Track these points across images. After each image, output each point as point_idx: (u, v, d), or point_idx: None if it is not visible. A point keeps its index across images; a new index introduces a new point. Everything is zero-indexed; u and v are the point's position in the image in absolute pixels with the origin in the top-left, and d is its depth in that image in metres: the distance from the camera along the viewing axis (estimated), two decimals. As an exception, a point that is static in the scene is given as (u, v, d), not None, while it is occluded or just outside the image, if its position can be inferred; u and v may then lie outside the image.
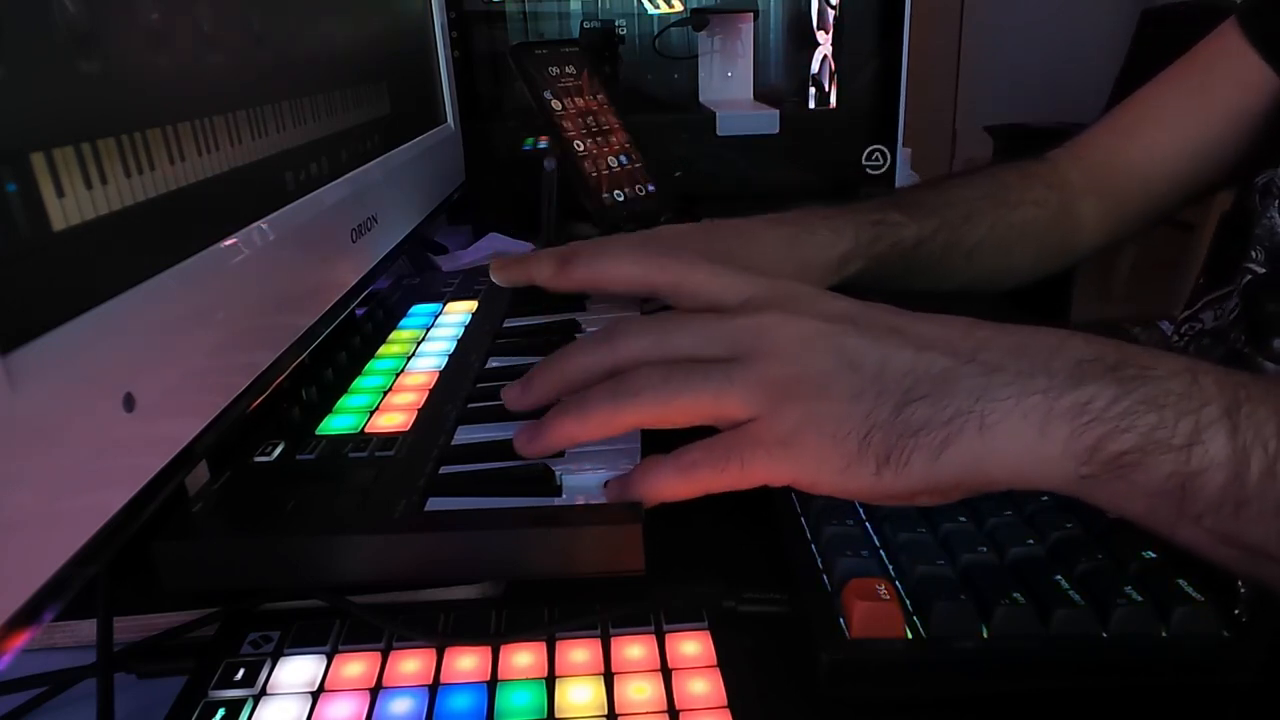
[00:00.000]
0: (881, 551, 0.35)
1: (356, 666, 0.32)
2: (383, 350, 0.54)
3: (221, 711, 0.30)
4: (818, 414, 0.30)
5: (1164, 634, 0.30)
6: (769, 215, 0.53)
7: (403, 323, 0.59)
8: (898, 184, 1.04)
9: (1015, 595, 0.31)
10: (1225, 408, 0.27)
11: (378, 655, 0.32)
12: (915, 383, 0.30)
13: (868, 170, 1.04)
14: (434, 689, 0.30)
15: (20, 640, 0.22)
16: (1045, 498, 0.37)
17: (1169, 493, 0.27)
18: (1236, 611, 0.31)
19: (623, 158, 0.81)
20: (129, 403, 0.27)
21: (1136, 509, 0.28)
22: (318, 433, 0.42)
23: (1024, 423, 0.28)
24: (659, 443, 0.41)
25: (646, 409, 0.33)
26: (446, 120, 0.84)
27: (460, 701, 0.30)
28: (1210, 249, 0.68)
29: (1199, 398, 0.27)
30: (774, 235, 0.52)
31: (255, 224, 0.39)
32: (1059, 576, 0.32)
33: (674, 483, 0.33)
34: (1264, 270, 0.56)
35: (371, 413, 0.45)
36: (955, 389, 0.29)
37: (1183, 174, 0.62)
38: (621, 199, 0.78)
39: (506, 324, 0.58)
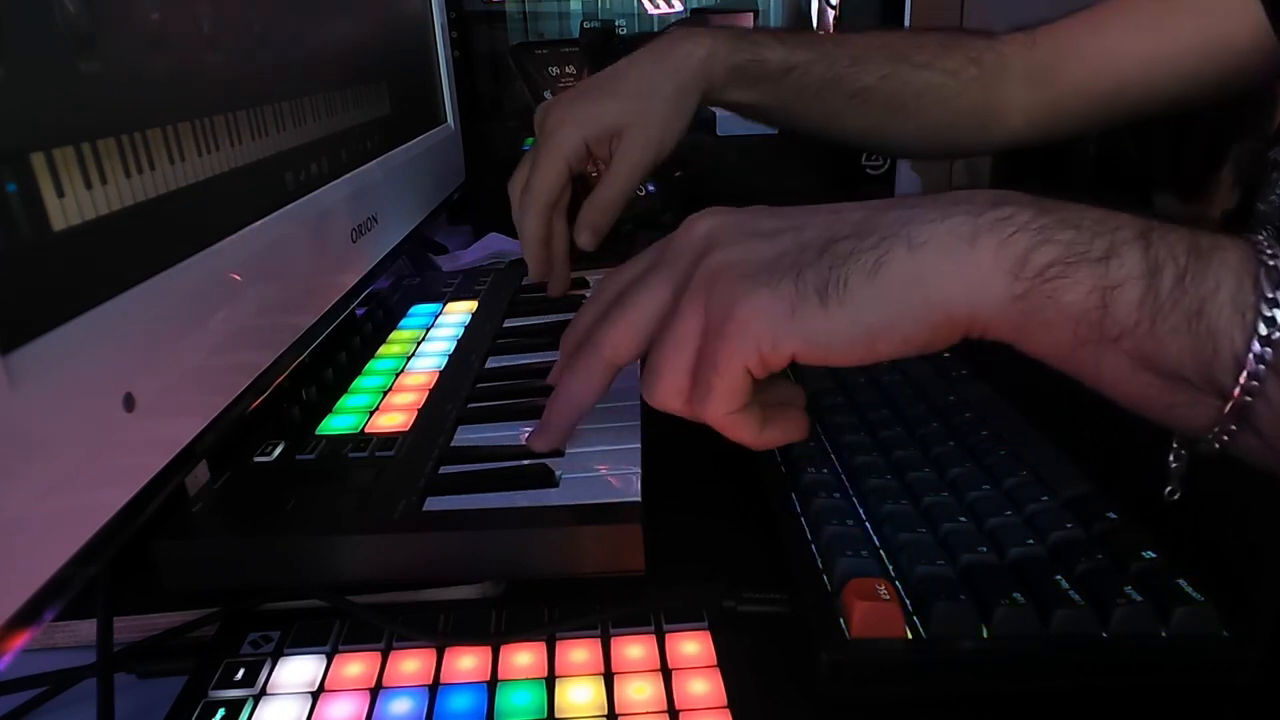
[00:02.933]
0: (881, 551, 0.35)
1: (356, 666, 0.32)
2: (383, 350, 0.54)
3: (221, 711, 0.30)
4: (747, 277, 0.30)
5: (1164, 634, 0.30)
6: (641, 47, 0.58)
7: (403, 323, 0.59)
8: (898, 185, 1.04)
9: (1015, 595, 0.31)
10: (1138, 231, 0.28)
11: (378, 655, 0.32)
12: (834, 230, 0.30)
13: (868, 170, 1.04)
14: (434, 689, 0.30)
15: (20, 640, 0.22)
16: (1045, 498, 0.37)
17: (1090, 311, 0.27)
18: (1169, 489, 0.32)
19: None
20: (129, 403, 0.27)
21: (1063, 339, 0.28)
22: (318, 433, 0.42)
23: (951, 236, 0.28)
24: (659, 443, 0.41)
25: (608, 347, 0.34)
26: (446, 120, 0.84)
27: (460, 701, 0.30)
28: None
29: (1113, 221, 0.28)
30: (642, 59, 0.57)
31: (255, 224, 0.39)
32: (1059, 576, 0.32)
33: (659, 398, 0.33)
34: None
35: (371, 413, 0.45)
36: (876, 224, 0.30)
37: (1133, 80, 0.60)
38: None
39: (506, 324, 0.58)
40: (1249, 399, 0.27)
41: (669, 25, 0.63)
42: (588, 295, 0.61)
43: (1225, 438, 0.28)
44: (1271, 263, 0.26)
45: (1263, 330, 0.26)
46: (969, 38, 0.64)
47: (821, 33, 0.61)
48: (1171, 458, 0.32)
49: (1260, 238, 0.27)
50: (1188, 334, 0.27)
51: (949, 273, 0.29)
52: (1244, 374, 0.26)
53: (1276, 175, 0.57)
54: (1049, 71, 0.62)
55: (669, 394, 0.32)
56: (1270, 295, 0.26)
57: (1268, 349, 0.26)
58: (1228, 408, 0.27)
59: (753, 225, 0.32)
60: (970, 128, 0.64)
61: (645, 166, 0.56)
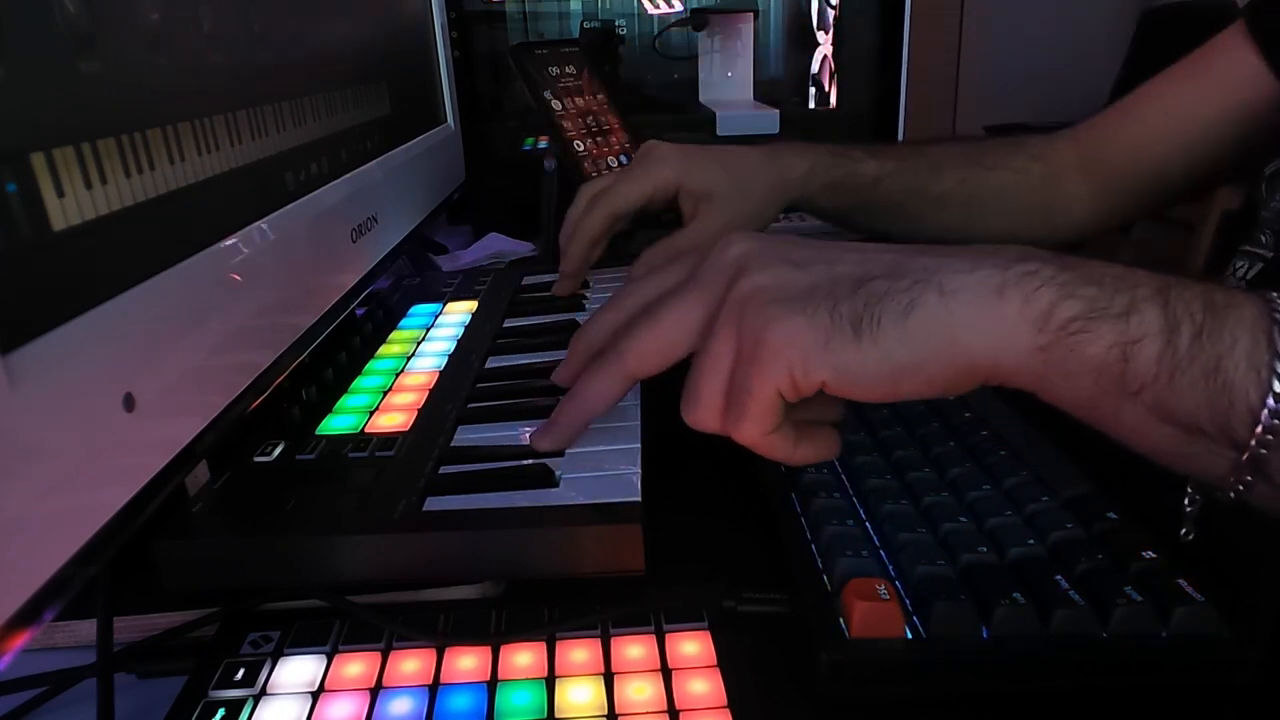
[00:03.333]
0: (881, 551, 0.35)
1: (356, 666, 0.32)
2: (383, 350, 0.54)
3: (221, 711, 0.30)
4: (781, 302, 0.31)
5: (1164, 634, 0.30)
6: (745, 151, 0.64)
7: (403, 323, 0.59)
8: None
9: (1015, 595, 0.31)
10: (1156, 288, 0.29)
11: (378, 655, 0.32)
12: (867, 270, 0.31)
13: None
14: (434, 689, 0.30)
15: (20, 640, 0.22)
16: (1045, 498, 0.37)
17: (1111, 364, 0.28)
18: (1184, 530, 0.32)
19: (623, 158, 0.81)
20: (129, 403, 0.27)
21: (1084, 390, 0.29)
22: (318, 433, 0.42)
23: (981, 287, 0.30)
24: (659, 443, 0.41)
25: (633, 358, 0.35)
26: (446, 120, 0.84)
27: (460, 701, 0.30)
28: (1211, 248, 0.69)
29: (1132, 279, 0.29)
30: (754, 153, 0.63)
31: (255, 224, 0.39)
32: (1059, 576, 0.32)
33: (696, 418, 0.34)
34: (1272, 254, 0.57)
35: (371, 413, 0.45)
36: (908, 268, 0.31)
37: (1175, 162, 0.64)
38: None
39: (506, 324, 0.58)
40: (1264, 451, 0.27)
41: (773, 146, 0.69)
42: (589, 294, 0.62)
43: (1240, 487, 0.29)
44: None
45: (1277, 387, 0.27)
46: (1028, 139, 0.69)
47: (901, 144, 0.67)
48: (1186, 501, 0.32)
49: (1275, 295, 0.28)
50: (1205, 389, 0.28)
51: (977, 321, 0.30)
52: (1259, 428, 0.27)
53: (1277, 184, 0.57)
54: (1096, 162, 0.67)
55: (706, 415, 0.33)
56: None
57: None
58: (1243, 459, 0.28)
59: (785, 253, 0.33)
60: (1039, 222, 0.68)
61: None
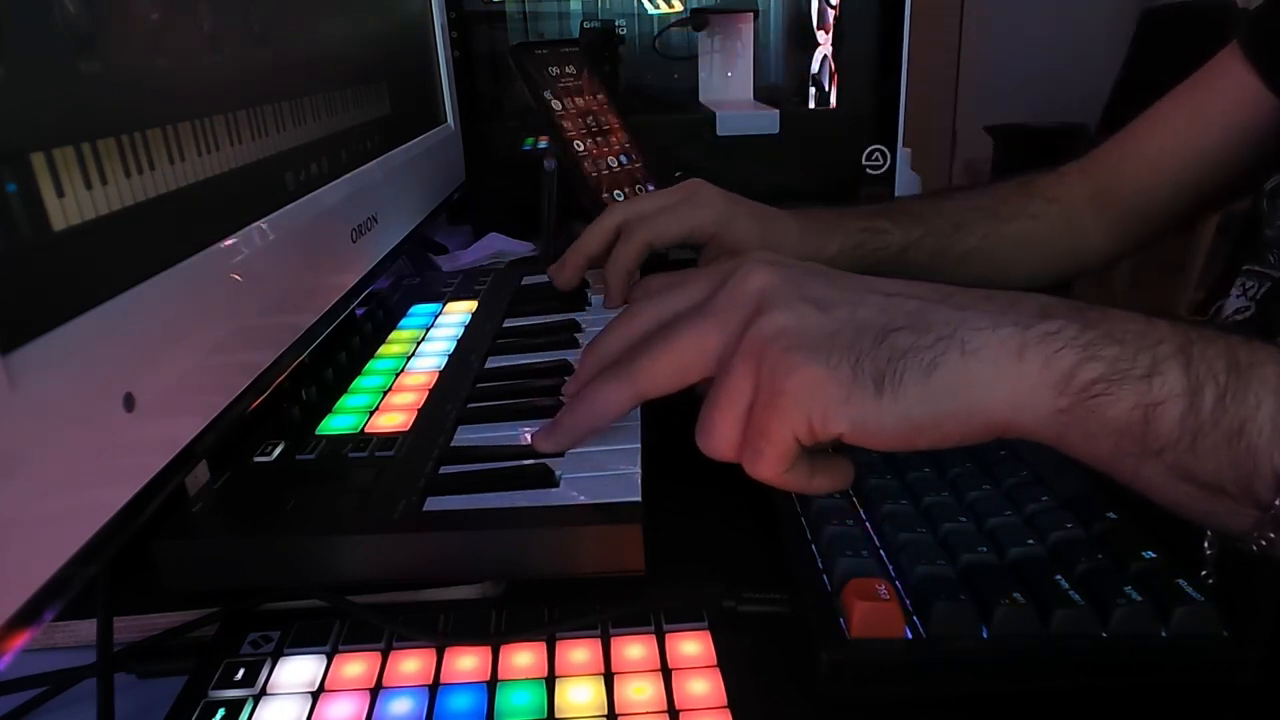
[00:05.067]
0: (881, 551, 0.35)
1: (356, 666, 0.32)
2: (383, 350, 0.54)
3: (221, 711, 0.30)
4: (802, 349, 0.31)
5: (1164, 634, 0.30)
6: (786, 210, 0.61)
7: (403, 323, 0.59)
8: (898, 184, 1.04)
9: (1015, 595, 0.31)
10: (1179, 345, 0.29)
11: (378, 655, 0.32)
12: (890, 319, 0.31)
13: (868, 170, 1.04)
14: (434, 689, 0.30)
15: (20, 640, 0.22)
16: (1045, 498, 0.37)
17: (1133, 426, 0.28)
18: (1204, 573, 0.32)
19: (623, 158, 0.81)
20: (129, 403, 0.27)
21: (1104, 448, 0.29)
22: (318, 433, 0.42)
23: (1002, 348, 0.30)
24: (659, 443, 0.41)
25: (645, 377, 0.35)
26: (446, 120, 0.84)
27: (460, 701, 0.30)
28: (1211, 249, 0.69)
29: (1154, 335, 0.29)
30: (791, 223, 0.60)
31: (255, 224, 0.39)
32: (1059, 576, 0.32)
33: (711, 450, 0.34)
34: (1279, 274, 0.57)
35: (371, 413, 0.45)
36: (932, 320, 0.31)
37: (1185, 185, 0.64)
38: (621, 199, 0.78)
39: (506, 324, 0.58)
40: None
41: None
42: (590, 291, 0.62)
43: (1264, 542, 0.29)
44: None
45: None
46: (1037, 180, 0.69)
47: (921, 201, 0.66)
48: (1206, 544, 0.33)
49: None
50: (1228, 450, 0.28)
51: (997, 383, 0.30)
52: None
53: (1277, 202, 0.58)
54: (1107, 196, 0.67)
55: (721, 448, 0.33)
56: None
57: None
58: (1267, 516, 0.28)
59: (808, 289, 0.33)
60: (1064, 260, 0.69)
61: None
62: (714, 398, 0.33)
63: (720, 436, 0.33)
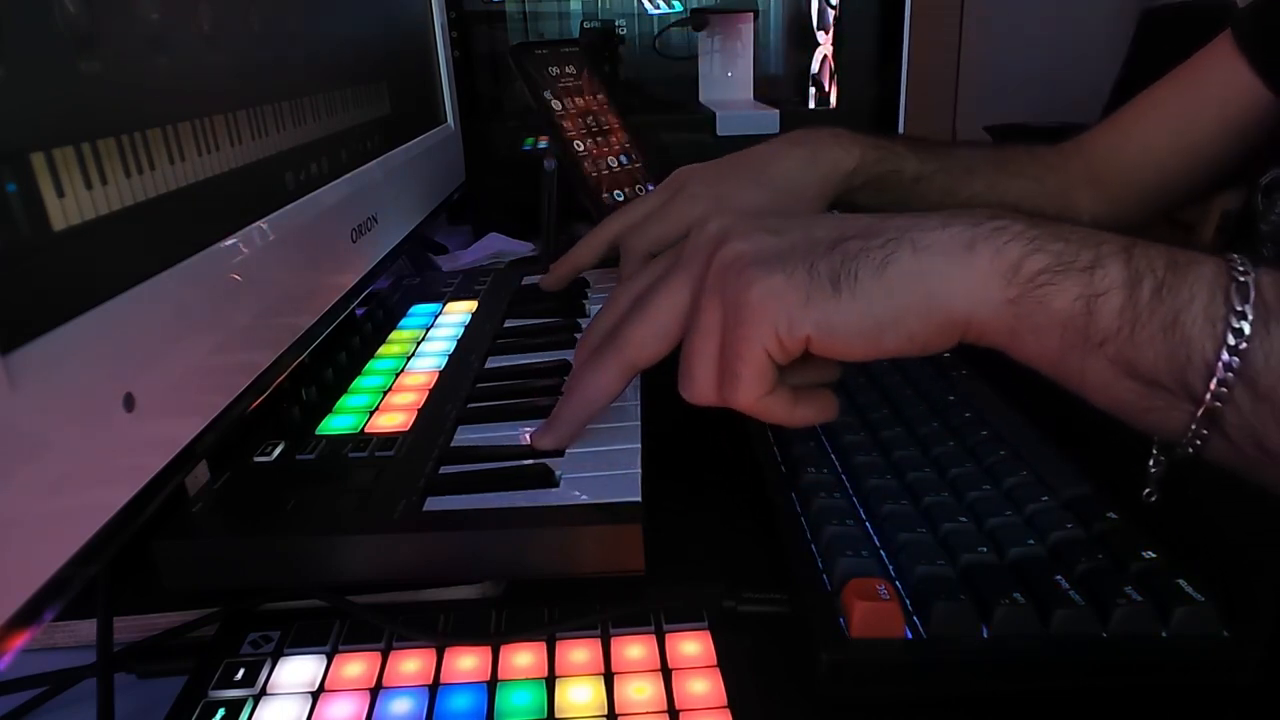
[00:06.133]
0: (881, 551, 0.35)
1: (356, 666, 0.32)
2: (383, 350, 0.54)
3: (221, 711, 0.30)
4: (760, 263, 0.32)
5: (1164, 634, 0.30)
6: (783, 137, 0.61)
7: (403, 323, 0.59)
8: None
9: (1015, 595, 0.31)
10: (1122, 245, 0.30)
11: (378, 655, 0.32)
12: (842, 232, 0.33)
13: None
14: (434, 689, 0.30)
15: (20, 640, 0.22)
16: (1045, 498, 0.37)
17: (1076, 317, 0.29)
18: (1147, 491, 0.33)
19: (623, 158, 0.81)
20: (129, 403, 0.27)
21: (1051, 345, 0.30)
22: (318, 433, 0.42)
23: (952, 242, 0.31)
24: (659, 443, 0.41)
25: (630, 347, 0.36)
26: (446, 120, 0.84)
27: (460, 701, 0.30)
28: (1211, 248, 0.70)
29: (1098, 237, 0.31)
30: (795, 156, 0.59)
31: (255, 224, 0.39)
32: (1059, 576, 0.32)
33: (694, 392, 0.34)
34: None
35: (371, 413, 0.45)
36: (882, 229, 0.32)
37: (1174, 171, 0.65)
38: (621, 199, 0.78)
39: (506, 324, 0.58)
40: (1219, 404, 0.28)
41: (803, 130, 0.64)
42: (591, 291, 0.62)
43: (1198, 442, 0.30)
44: (1242, 278, 0.29)
45: (1231, 340, 0.28)
46: (1042, 149, 0.70)
47: (936, 142, 0.67)
48: (1150, 463, 0.34)
49: (1234, 256, 0.30)
50: (1164, 341, 0.29)
51: (949, 274, 0.31)
52: (1214, 380, 0.28)
53: (1276, 196, 0.58)
54: (1100, 176, 0.68)
55: (702, 388, 0.34)
56: (1239, 308, 0.28)
57: (1235, 358, 0.28)
58: (1200, 412, 0.29)
59: (762, 222, 0.34)
60: None
61: None
62: (689, 341, 0.34)
63: (699, 378, 0.34)
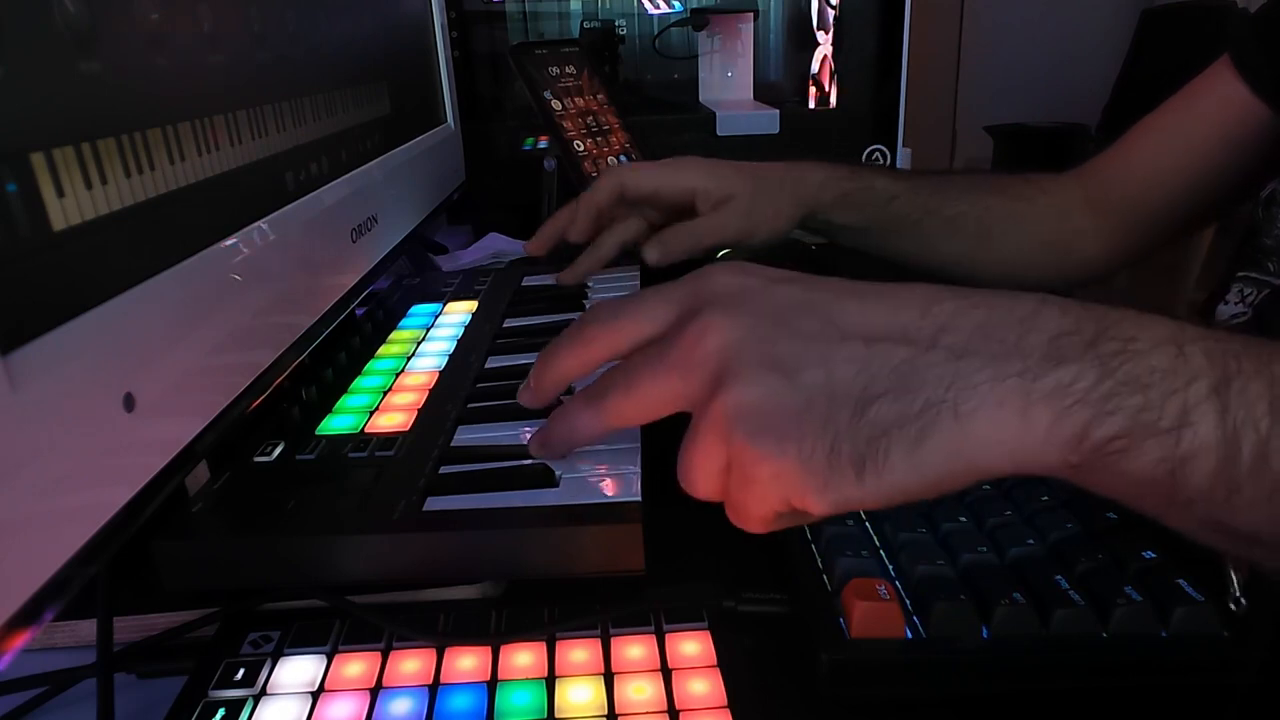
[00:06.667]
0: (881, 551, 0.35)
1: (356, 666, 0.32)
2: (383, 350, 0.54)
3: (221, 711, 0.30)
4: (771, 433, 0.28)
5: (1164, 634, 0.30)
6: (765, 163, 0.67)
7: (403, 323, 0.59)
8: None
9: (1015, 595, 0.31)
10: (1214, 384, 0.25)
11: (378, 655, 0.32)
12: (871, 380, 0.27)
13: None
14: (434, 689, 0.30)
15: (20, 640, 0.22)
16: (1045, 498, 0.37)
17: (1158, 480, 0.25)
18: (1232, 605, 0.31)
19: (623, 158, 0.81)
20: (129, 403, 0.27)
21: (1125, 496, 0.27)
22: (318, 433, 0.42)
23: (1002, 409, 0.26)
24: (659, 443, 0.41)
25: (613, 415, 0.33)
26: (446, 120, 0.84)
27: (460, 701, 0.30)
28: (1211, 249, 0.70)
29: (1185, 373, 0.25)
30: (775, 166, 0.66)
31: (255, 224, 0.39)
32: (1059, 576, 0.32)
33: (697, 495, 0.32)
34: (1279, 281, 0.57)
35: (371, 413, 0.45)
36: (920, 380, 0.27)
37: (1179, 193, 0.65)
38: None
39: (506, 324, 0.58)
40: None
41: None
42: (591, 291, 0.62)
43: None
44: None
45: None
46: (1033, 175, 0.71)
47: (915, 170, 0.70)
48: (1233, 573, 0.31)
49: None
50: (1268, 505, 0.25)
51: (997, 445, 0.26)
52: None
53: (1276, 210, 0.58)
54: (1102, 202, 0.68)
55: (704, 495, 0.31)
56: None
57: None
58: None
59: (770, 350, 0.29)
60: (1051, 256, 0.70)
61: (735, 234, 0.64)
62: (689, 454, 0.30)
63: (700, 487, 0.31)
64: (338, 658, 0.32)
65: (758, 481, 0.28)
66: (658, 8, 1.21)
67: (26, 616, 0.22)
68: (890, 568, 0.34)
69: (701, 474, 0.30)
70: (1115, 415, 0.25)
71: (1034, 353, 0.26)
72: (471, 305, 0.62)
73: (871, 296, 0.29)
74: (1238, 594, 0.32)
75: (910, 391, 0.27)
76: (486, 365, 0.50)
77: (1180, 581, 0.32)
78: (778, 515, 0.29)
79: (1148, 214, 0.66)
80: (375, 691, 0.30)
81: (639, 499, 0.35)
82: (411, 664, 0.32)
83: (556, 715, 0.29)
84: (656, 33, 1.21)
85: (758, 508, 0.29)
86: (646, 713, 0.29)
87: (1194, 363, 0.25)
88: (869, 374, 0.27)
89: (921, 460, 0.26)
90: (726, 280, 0.31)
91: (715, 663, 0.31)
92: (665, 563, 0.35)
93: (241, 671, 0.31)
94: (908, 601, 0.32)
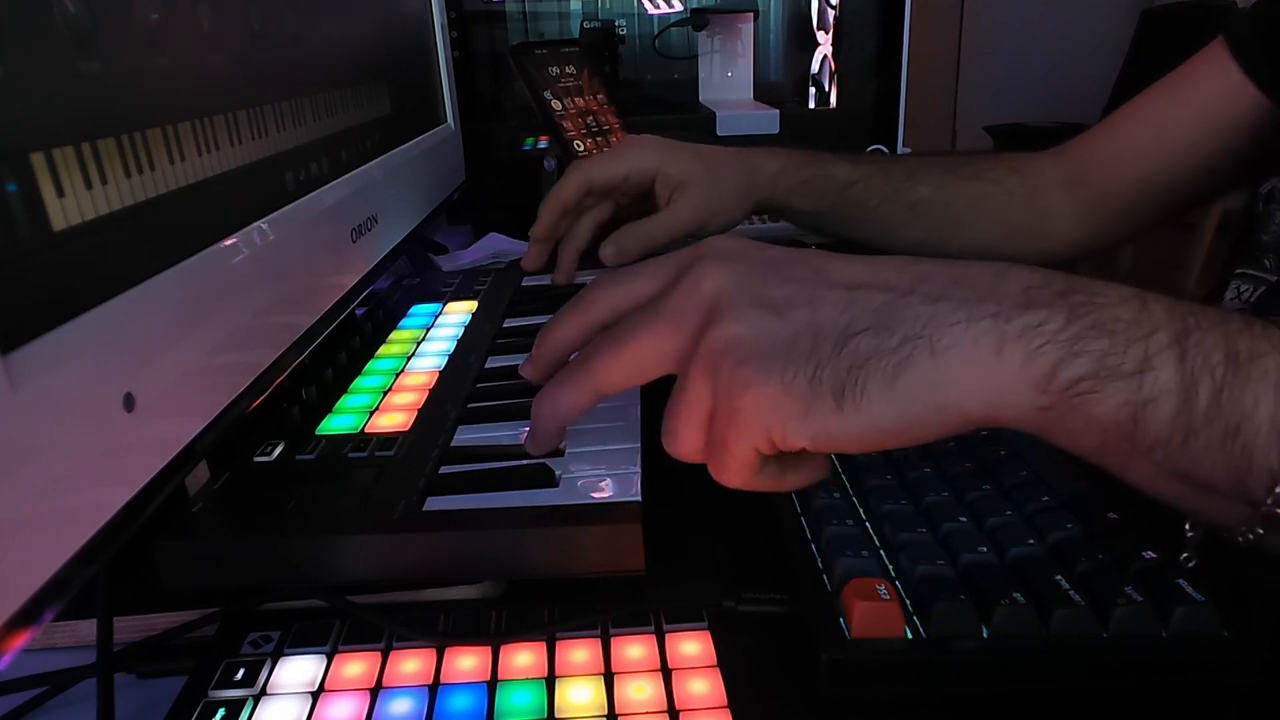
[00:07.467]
0: (881, 551, 0.35)
1: (356, 666, 0.32)
2: (383, 350, 0.54)
3: (221, 711, 0.30)
4: (756, 361, 0.29)
5: (1164, 634, 0.30)
6: (722, 149, 0.68)
7: (403, 323, 0.59)
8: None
9: (1015, 595, 0.31)
10: (1174, 335, 0.27)
11: (378, 655, 0.32)
12: (853, 319, 0.29)
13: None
14: (434, 689, 0.30)
15: (20, 640, 0.22)
16: (1046, 498, 0.37)
17: (1121, 424, 0.27)
18: (1184, 555, 0.32)
19: (623, 158, 0.81)
20: (129, 403, 0.27)
21: (1090, 444, 0.28)
22: (318, 433, 0.42)
23: (977, 346, 0.27)
24: (659, 443, 0.41)
25: (601, 377, 0.33)
26: (446, 120, 0.84)
27: (460, 701, 0.30)
28: (1211, 248, 0.70)
29: (1148, 324, 0.27)
30: (729, 153, 0.67)
31: (255, 224, 0.39)
32: (1059, 576, 0.32)
33: (678, 454, 0.32)
34: (1276, 278, 0.57)
35: (371, 413, 0.45)
36: (899, 318, 0.28)
37: (1161, 174, 0.64)
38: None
39: (506, 324, 0.58)
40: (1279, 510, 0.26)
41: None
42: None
43: (1251, 536, 0.27)
44: None
45: None
46: (1007, 154, 0.71)
47: (880, 155, 0.69)
48: (1188, 527, 0.32)
49: None
50: (1221, 450, 0.26)
51: (971, 382, 0.28)
52: (1278, 488, 0.26)
53: (1274, 207, 0.58)
54: (1079, 178, 0.67)
55: (685, 452, 0.32)
56: None
57: None
58: (1258, 513, 0.26)
59: (762, 290, 0.30)
60: (1024, 238, 0.69)
61: (688, 224, 0.64)
62: (674, 405, 0.31)
63: (683, 442, 0.31)
64: (338, 658, 0.32)
65: (740, 411, 0.29)
66: (658, 8, 1.21)
67: (26, 616, 0.22)
68: (890, 568, 0.34)
69: (685, 423, 0.31)
70: (1082, 357, 0.27)
71: (1006, 299, 0.28)
72: (471, 305, 0.62)
73: (857, 260, 0.32)
74: (1189, 553, 0.32)
75: (889, 329, 0.28)
76: (486, 365, 0.50)
77: (1180, 581, 0.32)
78: (759, 460, 0.30)
79: (1125, 193, 0.66)
80: (375, 691, 0.30)
81: (639, 499, 0.35)
82: (411, 664, 0.32)
83: (556, 715, 0.29)
84: (656, 33, 1.21)
85: (739, 445, 0.30)
86: (646, 713, 0.29)
87: (1156, 317, 0.27)
88: (852, 314, 0.29)
89: (898, 393, 0.28)
90: (723, 243, 0.33)
91: (715, 663, 0.31)
92: (665, 563, 0.35)
93: (241, 671, 0.31)
94: (908, 601, 0.32)
